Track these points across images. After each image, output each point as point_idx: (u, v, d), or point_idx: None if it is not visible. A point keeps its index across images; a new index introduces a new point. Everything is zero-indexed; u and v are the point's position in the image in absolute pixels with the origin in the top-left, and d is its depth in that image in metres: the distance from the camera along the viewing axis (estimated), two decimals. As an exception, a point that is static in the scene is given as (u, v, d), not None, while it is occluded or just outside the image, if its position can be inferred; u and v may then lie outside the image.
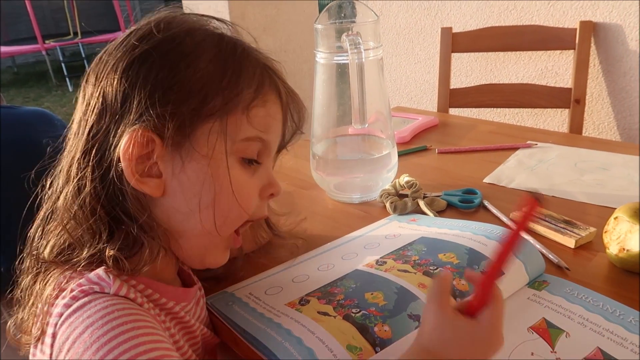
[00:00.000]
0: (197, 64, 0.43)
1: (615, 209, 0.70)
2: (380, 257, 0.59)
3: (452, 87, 1.35)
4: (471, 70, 1.48)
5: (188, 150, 0.43)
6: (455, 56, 1.40)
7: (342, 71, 0.73)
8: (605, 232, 0.59)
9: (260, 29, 1.96)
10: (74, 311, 0.39)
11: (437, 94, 1.38)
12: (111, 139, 0.42)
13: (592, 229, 0.64)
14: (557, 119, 1.36)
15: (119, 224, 0.43)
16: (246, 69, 0.45)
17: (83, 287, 0.40)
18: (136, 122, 0.41)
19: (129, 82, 0.42)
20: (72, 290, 0.40)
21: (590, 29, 1.20)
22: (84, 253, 0.42)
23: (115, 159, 0.42)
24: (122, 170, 0.42)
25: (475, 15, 1.41)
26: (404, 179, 0.77)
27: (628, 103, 1.23)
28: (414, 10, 1.55)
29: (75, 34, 5.32)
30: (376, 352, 0.44)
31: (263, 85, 0.46)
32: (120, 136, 0.42)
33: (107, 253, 0.41)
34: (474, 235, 0.61)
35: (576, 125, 1.24)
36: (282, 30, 2.04)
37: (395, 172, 0.80)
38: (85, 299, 0.40)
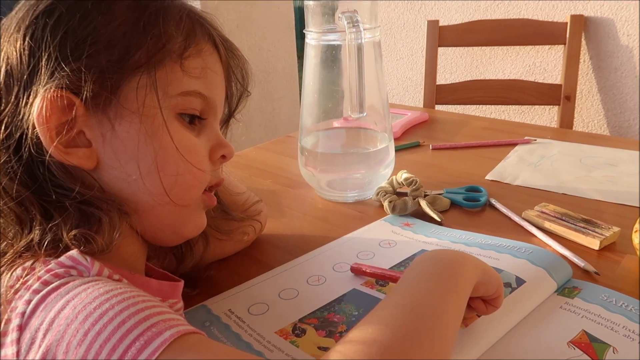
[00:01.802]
0: (113, 11, 0.37)
1: (633, 206, 0.65)
2: (380, 275, 0.51)
3: (437, 83, 1.29)
4: (457, 66, 1.42)
5: (116, 109, 0.37)
6: (440, 51, 1.35)
7: (335, 55, 0.65)
8: (636, 231, 0.52)
9: (233, 26, 1.87)
10: (48, 293, 0.31)
11: (421, 91, 1.32)
12: (22, 108, 0.36)
13: (616, 229, 0.57)
14: (545, 116, 1.31)
15: (58, 203, 0.36)
16: (170, 15, 0.39)
17: (56, 271, 0.32)
18: (48, 82, 0.35)
19: (35, 38, 0.36)
20: (39, 278, 0.32)
21: (581, 23, 1.17)
22: (32, 237, 0.35)
23: (30, 127, 0.35)
24: (39, 138, 0.35)
25: (461, 9, 1.35)
26: (403, 175, 0.70)
27: (619, 100, 1.19)
28: (397, 5, 1.49)
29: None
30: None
31: (194, 33, 0.40)
32: (32, 102, 0.35)
33: (66, 235, 0.34)
34: (482, 250, 0.54)
35: (567, 122, 1.19)
36: (256, 28, 1.96)
37: (392, 168, 0.72)
38: (62, 280, 0.32)
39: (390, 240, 0.59)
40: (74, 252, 0.34)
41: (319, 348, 0.41)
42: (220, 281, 0.53)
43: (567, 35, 1.17)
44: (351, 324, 0.43)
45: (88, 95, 0.35)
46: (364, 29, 0.62)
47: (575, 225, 0.59)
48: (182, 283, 0.43)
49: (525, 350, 0.41)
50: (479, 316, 0.43)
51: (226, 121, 0.49)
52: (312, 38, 0.65)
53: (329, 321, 0.45)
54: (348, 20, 0.58)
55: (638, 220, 0.53)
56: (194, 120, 0.41)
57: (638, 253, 0.52)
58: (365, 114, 0.62)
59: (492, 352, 0.41)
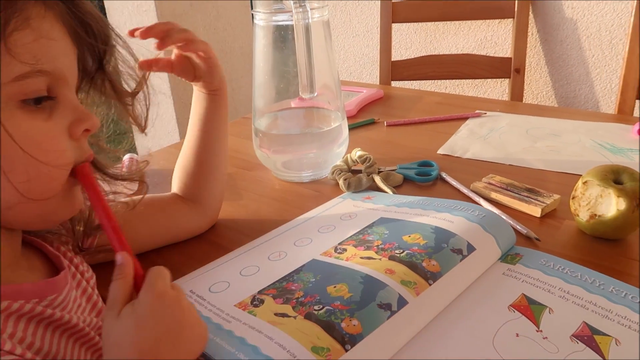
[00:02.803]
0: None
1: (573, 174, 0.68)
2: (339, 244, 0.53)
3: (393, 59, 1.31)
4: (412, 42, 1.44)
5: None
6: (394, 28, 1.35)
7: (284, 35, 0.65)
8: (573, 197, 0.56)
9: (187, 4, 1.82)
10: None
11: (377, 68, 1.33)
12: None
13: (557, 196, 0.61)
14: (497, 89, 1.35)
15: None
16: None
17: None
18: None
19: None
20: None
21: (529, -4, 1.19)
22: None
23: None
24: None
25: (414, -16, 1.36)
26: (357, 153, 0.71)
27: (565, 71, 1.24)
28: (350, -19, 1.48)
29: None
30: (347, 351, 0.38)
31: (12, 1, 0.33)
32: None
33: None
34: (438, 212, 0.56)
35: (517, 95, 1.23)
36: (210, 7, 1.92)
37: (346, 146, 0.73)
38: None
39: (351, 213, 0.61)
40: None
41: (276, 314, 0.42)
42: (181, 266, 0.54)
43: (516, 9, 1.20)
44: (308, 290, 0.45)
45: None
46: (312, 9, 0.62)
47: (519, 194, 0.62)
48: (60, 276, 0.40)
49: (470, 316, 0.43)
50: (430, 284, 0.45)
51: (95, 78, 0.43)
52: (261, 19, 0.64)
53: (287, 290, 0.46)
54: (295, 0, 0.58)
55: (576, 186, 0.56)
56: (41, 101, 0.36)
57: (576, 218, 0.55)
58: (316, 94, 0.62)
59: (440, 319, 0.43)
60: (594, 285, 0.46)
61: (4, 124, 0.33)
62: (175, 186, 0.60)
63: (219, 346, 0.39)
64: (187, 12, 1.87)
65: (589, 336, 0.40)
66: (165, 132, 2.03)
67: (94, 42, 0.40)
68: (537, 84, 1.28)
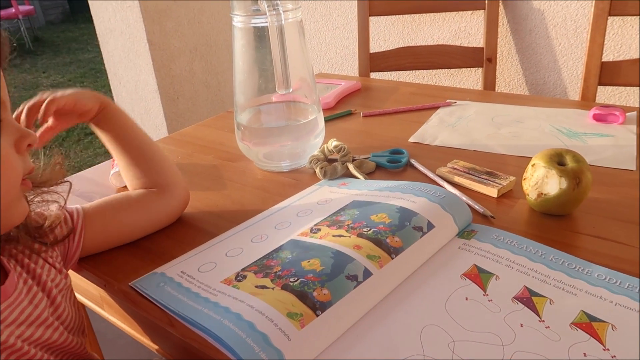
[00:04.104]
0: None
1: (530, 157, 0.74)
2: (314, 225, 0.58)
3: (371, 51, 1.36)
4: (389, 34, 1.49)
5: None
6: (372, 20, 1.41)
7: (261, 35, 0.70)
8: (524, 179, 0.62)
9: (170, 1, 1.85)
10: None
11: (357, 59, 1.38)
12: None
13: (512, 178, 0.67)
14: (472, 78, 1.41)
15: None
16: None
17: None
18: None
19: None
20: None
21: (498, -12, 1.25)
22: None
23: None
24: None
25: (390, -22, 1.41)
26: (332, 143, 0.77)
27: (534, 60, 1.30)
28: (329, -25, 1.53)
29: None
30: (317, 316, 0.44)
31: None
32: None
33: None
34: (403, 194, 0.62)
35: (489, 83, 1.29)
36: (194, 1, 1.95)
37: (322, 137, 0.79)
38: None
39: (327, 199, 0.66)
40: None
41: (256, 287, 0.48)
42: (171, 250, 0.59)
43: (486, 1, 1.25)
44: (285, 265, 0.50)
45: None
46: (286, 10, 0.67)
47: (480, 177, 0.68)
48: (7, 284, 0.44)
49: (427, 285, 0.49)
50: (393, 258, 0.51)
51: None
52: (239, 21, 0.69)
53: (267, 265, 0.51)
54: (268, 4, 0.63)
55: (526, 168, 0.62)
56: None
57: (527, 197, 0.61)
58: (291, 90, 0.67)
59: (400, 288, 0.49)
60: (537, 255, 0.52)
61: None
62: (137, 187, 0.64)
63: (207, 315, 0.45)
64: (171, 8, 1.90)
65: (527, 297, 0.47)
66: (154, 127, 2.07)
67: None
68: (509, 72, 1.34)
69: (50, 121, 0.59)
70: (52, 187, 0.53)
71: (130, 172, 0.63)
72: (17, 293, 0.45)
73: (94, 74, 4.51)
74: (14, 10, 5.33)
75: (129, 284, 0.53)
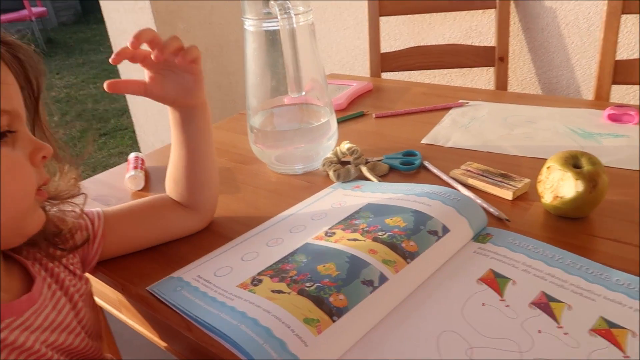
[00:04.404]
0: None
1: (544, 159, 0.74)
2: (329, 228, 0.59)
3: (382, 51, 1.35)
4: (400, 33, 1.48)
5: None
6: (383, 20, 1.40)
7: (273, 38, 0.70)
8: (539, 182, 0.61)
9: (181, 2, 1.86)
10: None
11: (368, 59, 1.38)
12: None
13: (527, 180, 0.66)
14: (484, 77, 1.40)
15: None
16: None
17: None
18: None
19: None
20: None
21: (510, -13, 1.24)
22: None
23: None
24: None
25: (400, -23, 1.40)
26: (345, 145, 0.77)
27: (547, 58, 1.29)
28: (339, -25, 1.53)
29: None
30: (334, 322, 0.44)
31: None
32: None
33: None
34: (417, 197, 0.62)
35: (501, 82, 1.28)
36: (204, 2, 1.95)
37: (335, 139, 0.79)
38: None
39: (341, 202, 0.66)
40: None
41: (272, 291, 0.48)
42: (187, 254, 0.59)
43: (497, 0, 1.25)
44: (301, 269, 0.50)
45: None
46: (297, 14, 0.67)
47: (494, 179, 0.68)
48: (22, 299, 0.44)
49: (442, 290, 0.49)
50: (408, 262, 0.51)
51: (35, 110, 0.48)
52: (250, 24, 0.70)
53: (282, 270, 0.51)
54: (280, 7, 0.63)
55: (541, 170, 0.62)
56: (2, 137, 0.42)
57: (542, 199, 0.61)
58: (303, 93, 0.68)
59: (416, 293, 0.49)
60: (554, 260, 0.52)
61: None
62: (169, 192, 0.63)
63: (224, 320, 0.45)
64: (182, 8, 1.91)
65: (545, 303, 0.46)
66: (166, 128, 2.09)
67: (31, 83, 0.46)
68: (521, 71, 1.33)
69: (145, 76, 0.56)
70: (68, 200, 0.53)
71: (176, 183, 0.62)
72: (42, 299, 0.46)
73: (107, 74, 4.55)
74: (27, 12, 5.39)
75: (147, 288, 0.54)
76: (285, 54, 0.66)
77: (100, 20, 1.96)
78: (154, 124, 2.07)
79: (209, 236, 0.63)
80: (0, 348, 0.41)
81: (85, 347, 0.50)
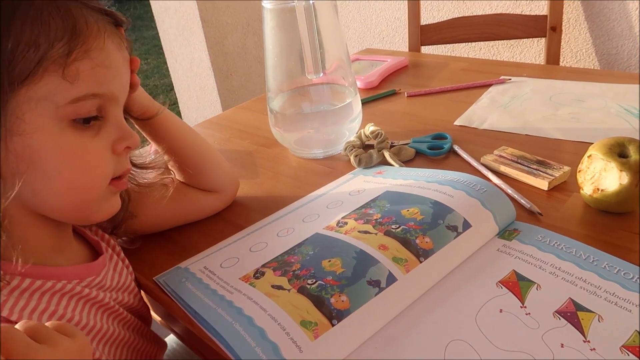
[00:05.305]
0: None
1: (590, 143, 0.66)
2: (342, 218, 0.55)
3: (423, 23, 1.28)
4: (442, 3, 1.39)
5: (6, 124, 0.37)
6: (425, -11, 1.32)
7: (291, 16, 0.66)
8: (579, 171, 0.55)
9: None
10: None
11: (407, 32, 1.31)
12: None
13: (567, 168, 0.60)
14: (534, 50, 1.30)
15: None
16: (45, 19, 0.36)
17: None
18: None
19: None
20: None
21: (565, -52, 1.12)
22: None
23: None
24: None
25: (444, -58, 1.31)
26: (369, 128, 0.72)
27: (606, 27, 1.17)
28: (379, -58, 1.44)
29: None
30: (333, 326, 0.41)
31: (76, 33, 0.37)
32: None
33: None
34: (440, 185, 0.57)
35: (553, 55, 1.18)
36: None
37: (359, 121, 0.75)
38: None
39: (360, 189, 0.63)
40: None
41: (272, 286, 0.45)
42: (197, 243, 0.58)
43: (552, -37, 1.13)
44: (305, 262, 0.48)
45: None
46: (317, -11, 0.62)
47: (529, 167, 0.61)
48: (98, 261, 0.47)
49: (457, 293, 0.45)
50: (421, 261, 0.47)
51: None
52: (268, 2, 0.66)
53: (287, 262, 0.49)
54: (295, -17, 0.59)
55: (582, 159, 0.55)
56: (90, 121, 0.40)
57: (581, 191, 0.55)
58: (322, 74, 0.63)
59: (428, 296, 0.45)
60: (587, 262, 0.46)
61: (56, 139, 0.39)
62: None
63: (220, 316, 0.44)
64: None
65: (572, 312, 0.41)
66: (209, 103, 2.09)
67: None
68: (576, 42, 1.22)
69: None
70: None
71: (177, 172, 0.61)
72: (108, 262, 0.50)
73: (157, 50, 4.63)
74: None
75: (153, 278, 0.53)
76: (302, 33, 0.62)
77: (152, -3, 1.97)
78: (197, 100, 2.08)
79: (222, 224, 0.62)
80: (85, 302, 0.45)
81: (142, 308, 0.54)
